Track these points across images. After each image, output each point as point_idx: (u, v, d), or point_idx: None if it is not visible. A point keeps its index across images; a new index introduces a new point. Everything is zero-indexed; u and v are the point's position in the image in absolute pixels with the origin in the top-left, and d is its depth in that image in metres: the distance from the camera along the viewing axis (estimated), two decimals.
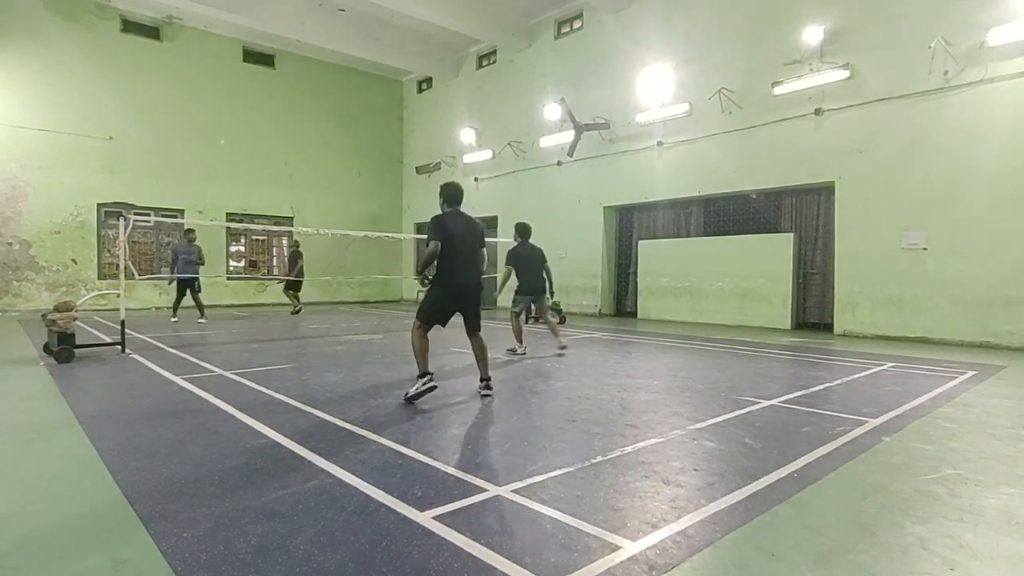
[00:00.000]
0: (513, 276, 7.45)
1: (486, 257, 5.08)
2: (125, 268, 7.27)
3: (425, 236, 4.92)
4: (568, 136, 13.60)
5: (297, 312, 13.07)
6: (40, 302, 13.07)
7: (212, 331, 9.67)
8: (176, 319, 10.99)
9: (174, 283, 11.10)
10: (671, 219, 12.91)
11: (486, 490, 2.73)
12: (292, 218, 17.20)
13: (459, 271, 4.64)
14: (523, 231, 7.54)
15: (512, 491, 2.71)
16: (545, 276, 7.56)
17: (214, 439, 3.53)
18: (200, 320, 10.82)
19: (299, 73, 17.45)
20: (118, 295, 7.26)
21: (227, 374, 5.69)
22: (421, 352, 4.61)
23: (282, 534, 2.26)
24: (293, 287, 13.31)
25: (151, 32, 14.92)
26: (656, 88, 12.05)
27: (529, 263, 7.35)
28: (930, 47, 8.56)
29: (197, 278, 10.93)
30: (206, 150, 15.73)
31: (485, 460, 3.19)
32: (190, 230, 11.21)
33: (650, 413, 4.27)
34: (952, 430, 3.86)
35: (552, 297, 7.93)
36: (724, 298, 11.48)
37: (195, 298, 10.95)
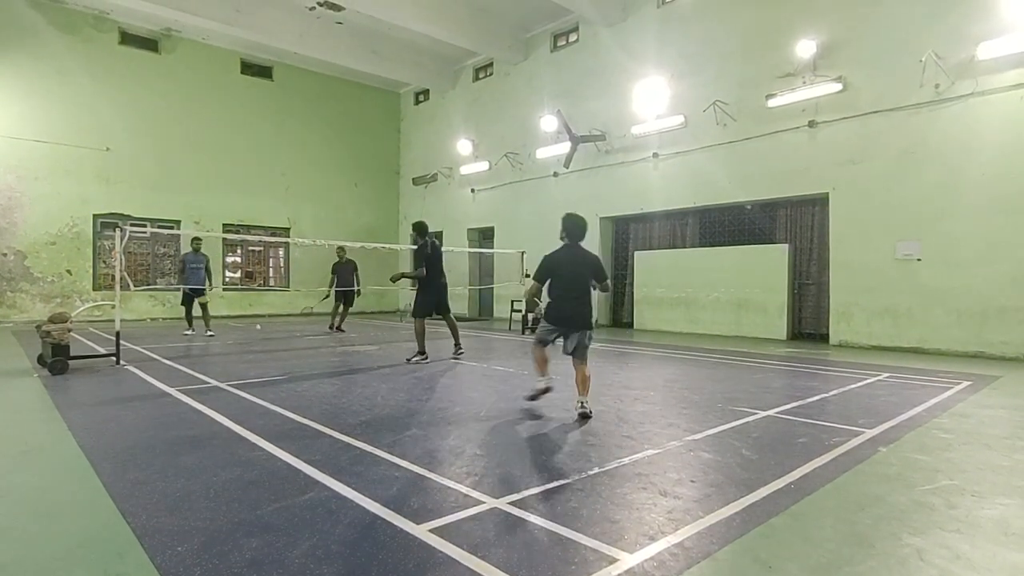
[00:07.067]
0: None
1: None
2: (121, 279, 7.25)
3: (418, 247, 7.68)
4: (564, 148, 13.68)
5: (338, 329, 12.24)
6: (35, 313, 13.00)
7: (208, 343, 9.63)
8: (192, 331, 10.67)
9: (181, 294, 10.76)
10: (667, 230, 12.96)
11: (483, 502, 2.72)
12: (289, 229, 17.20)
13: (436, 277, 7.55)
14: (571, 228, 4.98)
15: (509, 503, 2.71)
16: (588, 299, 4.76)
17: (209, 451, 3.51)
18: (208, 333, 10.52)
19: (297, 85, 17.52)
20: (113, 306, 7.23)
21: (223, 386, 5.66)
22: (418, 335, 7.40)
23: (277, 548, 2.25)
24: (348, 301, 12.45)
25: (149, 44, 14.97)
26: (651, 100, 12.14)
27: (568, 274, 4.79)
28: (921, 60, 8.67)
29: (204, 288, 10.66)
30: (203, 161, 15.73)
31: (481, 472, 3.18)
32: (197, 238, 10.96)
33: (647, 424, 4.27)
34: (948, 441, 3.87)
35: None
36: (720, 309, 11.50)
37: (203, 309, 10.66)
